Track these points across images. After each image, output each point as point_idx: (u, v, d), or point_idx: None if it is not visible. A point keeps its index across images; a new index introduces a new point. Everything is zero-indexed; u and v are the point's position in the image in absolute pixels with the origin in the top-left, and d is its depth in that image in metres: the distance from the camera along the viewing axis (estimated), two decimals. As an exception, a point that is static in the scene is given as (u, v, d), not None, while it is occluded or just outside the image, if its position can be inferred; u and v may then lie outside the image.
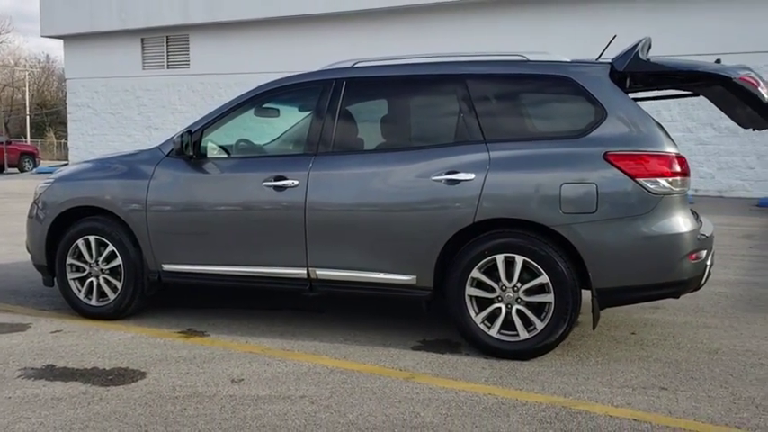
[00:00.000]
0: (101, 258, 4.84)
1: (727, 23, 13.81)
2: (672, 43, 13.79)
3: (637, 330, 4.61)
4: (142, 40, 20.97)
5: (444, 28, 16.50)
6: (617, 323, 4.75)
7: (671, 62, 3.98)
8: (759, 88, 3.81)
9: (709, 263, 4.03)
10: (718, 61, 4.26)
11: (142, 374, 3.78)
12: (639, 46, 4.00)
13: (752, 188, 14.32)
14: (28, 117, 52.33)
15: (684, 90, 4.54)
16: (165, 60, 20.78)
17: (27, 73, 56.82)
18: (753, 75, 3.87)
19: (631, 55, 3.96)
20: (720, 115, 14.43)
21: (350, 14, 17.59)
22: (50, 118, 53.56)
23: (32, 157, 28.25)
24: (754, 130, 4.55)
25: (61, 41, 22.85)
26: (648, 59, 3.96)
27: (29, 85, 56.13)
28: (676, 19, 14.22)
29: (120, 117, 21.44)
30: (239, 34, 19.11)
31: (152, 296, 4.95)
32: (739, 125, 4.65)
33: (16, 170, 26.86)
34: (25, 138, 48.49)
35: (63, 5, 21.22)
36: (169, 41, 20.61)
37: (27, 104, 53.95)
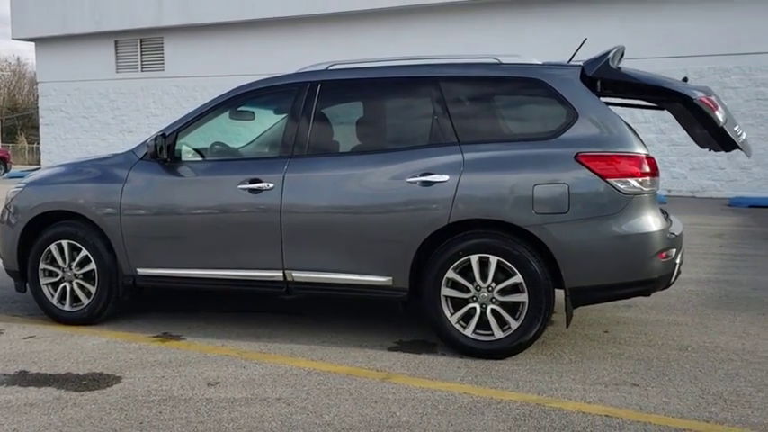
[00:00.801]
0: (74, 263, 4.80)
1: (698, 26, 14.05)
2: (644, 46, 14.03)
3: (609, 329, 4.68)
4: (116, 42, 20.76)
5: (420, 30, 16.58)
6: (590, 322, 4.82)
7: (638, 75, 4.06)
8: (716, 112, 3.94)
9: (678, 261, 4.11)
10: (685, 79, 4.40)
11: (117, 379, 3.75)
12: (611, 54, 4.08)
13: (723, 188, 14.58)
14: (-1, 121, 51.44)
15: (650, 103, 4.63)
16: (140, 63, 20.60)
17: (-2, 76, 55.88)
18: (713, 98, 4.00)
19: (602, 61, 4.04)
20: (691, 117, 14.69)
21: (327, 17, 17.59)
22: (22, 122, 52.72)
23: (4, 161, 27.76)
24: (709, 150, 4.66)
25: (33, 44, 22.54)
26: (619, 68, 4.06)
27: (-1, 89, 55.22)
28: (648, 22, 14.44)
29: (93, 121, 21.20)
30: (214, 37, 19.01)
31: (127, 301, 4.92)
32: (697, 144, 4.76)
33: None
34: (-4, 142, 47.64)
35: (35, 7, 20.95)
36: (143, 44, 20.43)
37: (-2, 108, 53.05)
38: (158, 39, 20.07)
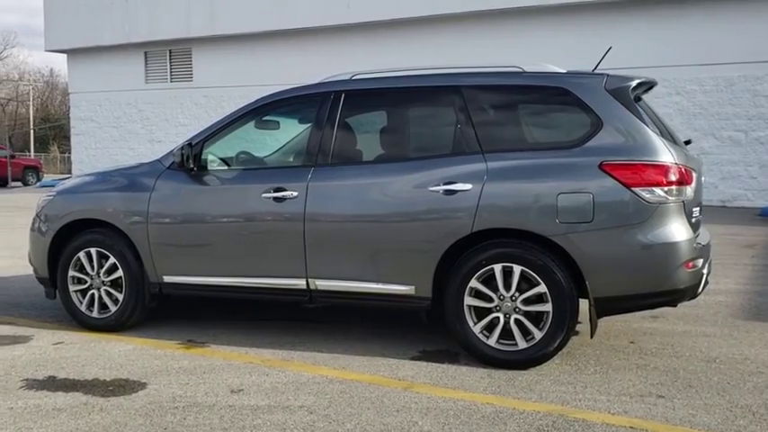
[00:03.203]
0: (102, 270, 4.88)
1: (726, 33, 13.84)
2: (672, 54, 13.89)
3: (636, 339, 4.62)
4: (145, 53, 21.11)
5: (443, 40, 16.60)
6: (616, 332, 4.77)
7: (645, 117, 3.99)
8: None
9: (705, 271, 4.05)
10: (687, 142, 4.45)
11: (142, 385, 3.80)
12: (636, 82, 4.08)
13: (754, 197, 14.32)
14: (32, 131, 52.59)
15: None
16: (169, 74, 20.91)
17: (31, 87, 57.17)
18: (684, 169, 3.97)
19: (624, 83, 4.03)
20: (722, 125, 14.49)
21: (351, 27, 17.71)
22: (54, 132, 53.84)
23: (36, 170, 28.41)
24: None
25: (65, 56, 23.02)
26: (639, 98, 4.13)
27: (33, 100, 56.47)
28: (675, 29, 14.28)
29: (122, 131, 21.56)
30: (242, 47, 19.24)
31: (153, 308, 4.98)
32: None
33: (20, 184, 26.99)
34: (29, 152, 48.73)
35: (67, 20, 21.41)
36: (172, 55, 20.74)
37: (31, 118, 54.23)
38: (187, 49, 20.37)
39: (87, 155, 22.43)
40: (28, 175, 27.51)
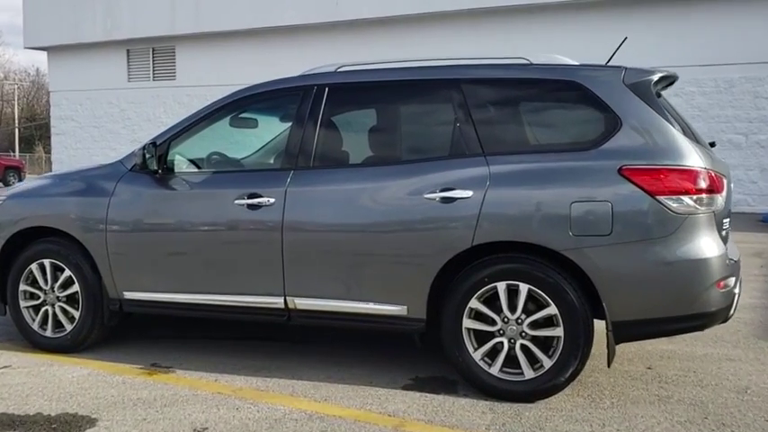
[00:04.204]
0: (57, 285, 4.35)
1: (728, 33, 13.44)
2: (672, 54, 13.46)
3: (653, 364, 4.14)
4: (128, 51, 20.50)
5: (435, 39, 16.12)
6: (630, 356, 4.29)
7: (667, 114, 3.52)
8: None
9: (737, 291, 3.57)
10: (712, 144, 3.98)
11: (92, 422, 3.28)
12: (658, 76, 3.60)
13: (755, 203, 13.93)
14: (17, 131, 51.73)
15: None
16: (151, 72, 20.30)
17: (16, 86, 56.28)
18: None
19: (646, 77, 3.56)
20: (721, 128, 14.05)
21: (340, 24, 17.20)
22: (39, 132, 52.98)
23: (18, 171, 27.67)
24: None
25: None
26: (659, 94, 3.63)
27: (18, 99, 55.58)
28: (676, 29, 13.85)
29: (104, 130, 20.93)
30: (227, 45, 18.68)
31: (114, 326, 4.45)
32: None
33: (1, 184, 26.28)
34: (14, 152, 47.89)
35: (47, 15, 20.76)
36: (155, 52, 20.15)
37: (16, 118, 53.36)
38: (170, 47, 19.78)
39: (68, 155, 21.77)
40: (9, 175, 26.79)
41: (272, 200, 3.83)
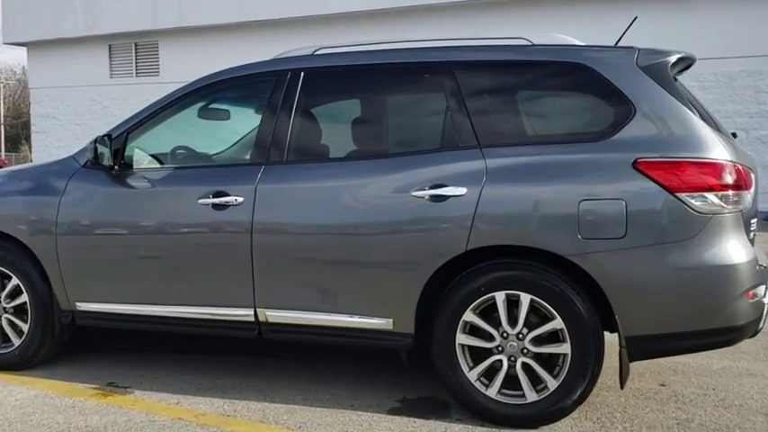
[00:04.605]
0: (3, 294, 3.91)
1: (728, 26, 13.02)
2: (670, 47, 13.04)
3: (666, 380, 3.73)
4: (110, 46, 19.90)
5: (430, 32, 15.67)
6: (641, 370, 3.87)
7: (685, 100, 3.11)
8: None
9: (767, 301, 3.15)
10: (734, 135, 3.54)
11: (27, 457, 2.83)
12: (676, 57, 3.20)
13: (757, 200, 13.53)
14: (2, 130, 50.98)
15: None
16: (134, 68, 19.72)
17: (2, 85, 55.47)
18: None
19: (662, 58, 3.16)
20: (722, 124, 13.68)
21: (328, 18, 16.72)
22: (26, 131, 52.24)
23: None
24: None
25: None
26: (675, 79, 3.18)
27: (3, 98, 54.78)
28: (674, 21, 13.41)
29: (86, 128, 20.32)
30: (211, 40, 18.14)
31: (69, 340, 4.01)
32: None
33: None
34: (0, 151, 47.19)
35: (26, 10, 20.15)
36: (138, 48, 19.59)
37: (1, 117, 52.56)
38: (153, 42, 19.21)
39: (48, 154, 21.15)
40: (-10, 175, 26.13)
41: (239, 199, 3.39)
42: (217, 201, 3.42)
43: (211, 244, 3.48)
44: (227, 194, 3.41)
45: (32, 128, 21.93)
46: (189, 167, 3.77)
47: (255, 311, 3.40)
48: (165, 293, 3.57)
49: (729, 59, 12.91)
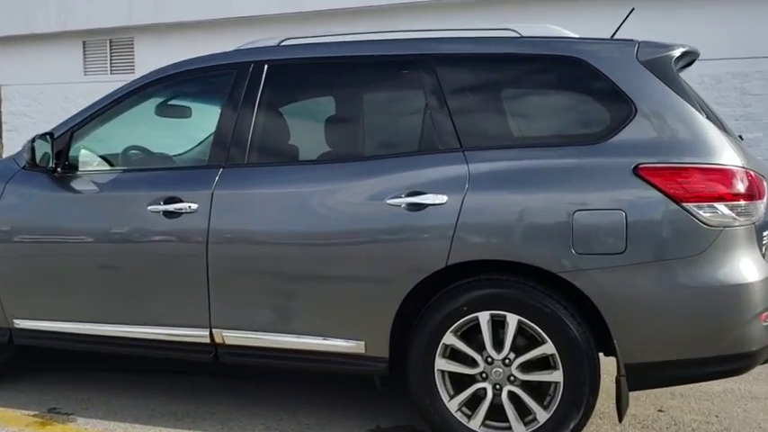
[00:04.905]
0: (-69, 309, 3.50)
1: (713, 27, 12.83)
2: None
3: (665, 405, 3.42)
4: (83, 42, 19.33)
5: (415, 29, 15.33)
6: (637, 394, 3.52)
7: (691, 97, 2.82)
8: None
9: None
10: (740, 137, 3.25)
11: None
12: (680, 51, 2.89)
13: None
14: (-23, 127, 50.00)
15: None
16: (109, 65, 19.14)
17: (-23, 82, 54.51)
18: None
19: (665, 52, 2.85)
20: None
21: (306, 15, 16.32)
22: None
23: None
24: None
25: None
26: (677, 74, 2.85)
27: (-22, 95, 53.83)
28: (658, 22, 13.17)
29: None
30: (188, 37, 17.62)
31: (6, 361, 3.62)
32: None
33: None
34: (-28, 149, 46.23)
35: (-3, 5, 19.58)
36: (112, 44, 19.04)
37: (-25, 114, 51.64)
38: (128, 39, 18.62)
39: (21, 153, 20.60)
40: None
41: (194, 205, 3.03)
42: (168, 207, 3.05)
43: (163, 256, 3.11)
44: (180, 200, 3.05)
45: (3, 126, 21.29)
46: (139, 170, 3.41)
47: (211, 332, 3.04)
48: (112, 311, 3.21)
49: (715, 61, 12.71)
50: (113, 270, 3.19)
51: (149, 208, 3.09)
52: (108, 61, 18.95)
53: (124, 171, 3.36)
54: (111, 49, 18.84)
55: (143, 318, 3.15)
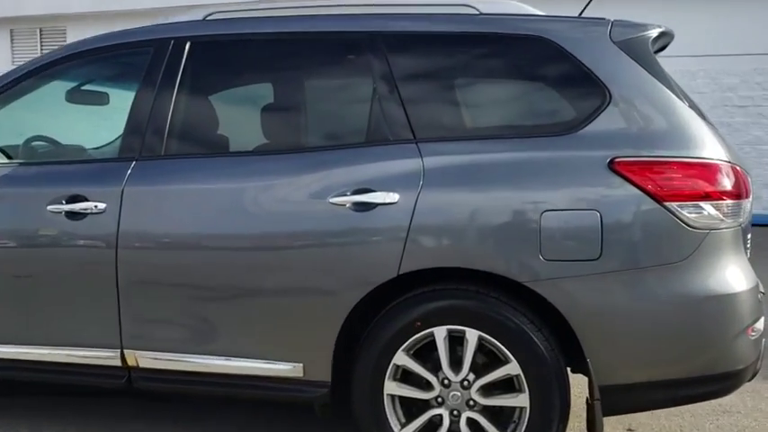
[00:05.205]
0: None
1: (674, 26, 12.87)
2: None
3: (633, 423, 3.13)
4: (11, 31, 18.34)
5: (364, 2, 14.93)
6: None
7: (670, 83, 2.51)
8: None
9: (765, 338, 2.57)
10: None
11: None
12: (656, 32, 2.59)
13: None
14: None
15: None
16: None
17: None
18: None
19: (640, 32, 2.55)
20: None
21: (255, 4, 15.80)
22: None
23: None
24: None
25: None
26: (654, 56, 2.55)
27: None
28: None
29: (-15, 120, 18.77)
30: (126, 27, 16.95)
31: None
32: None
33: None
34: None
35: None
36: (43, 34, 18.12)
37: None
38: (61, 28, 17.78)
39: (-55, 147, 19.43)
40: None
41: (101, 204, 2.59)
42: (71, 207, 2.61)
43: (65, 264, 2.66)
44: (86, 199, 2.60)
45: (-75, 118, 20.08)
46: (39, 164, 2.93)
47: (122, 353, 2.61)
48: (10, 329, 2.73)
49: (663, 59, 12.77)
50: (9, 280, 2.72)
51: (49, 208, 2.63)
52: (39, 51, 18.02)
53: (21, 165, 2.88)
54: (41, 39, 17.90)
55: (43, 337, 2.70)
